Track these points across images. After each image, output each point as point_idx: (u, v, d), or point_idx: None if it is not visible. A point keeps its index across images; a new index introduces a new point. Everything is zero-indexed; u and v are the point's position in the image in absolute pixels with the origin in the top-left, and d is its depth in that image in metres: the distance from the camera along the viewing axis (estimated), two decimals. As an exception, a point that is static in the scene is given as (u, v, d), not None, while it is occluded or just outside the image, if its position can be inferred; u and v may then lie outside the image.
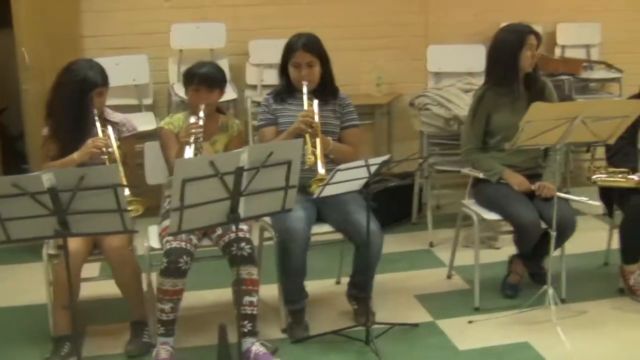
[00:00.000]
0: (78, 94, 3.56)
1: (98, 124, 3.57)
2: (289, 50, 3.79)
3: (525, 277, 4.11)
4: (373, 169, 3.25)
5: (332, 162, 3.62)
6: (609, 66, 6.00)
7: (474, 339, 3.62)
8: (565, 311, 3.75)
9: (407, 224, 5.21)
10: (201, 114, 3.53)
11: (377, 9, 5.84)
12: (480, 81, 5.17)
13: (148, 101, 5.43)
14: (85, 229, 2.90)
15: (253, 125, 5.25)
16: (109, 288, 3.69)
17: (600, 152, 5.77)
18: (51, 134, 3.65)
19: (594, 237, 4.47)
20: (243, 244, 3.36)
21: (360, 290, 3.73)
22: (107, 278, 3.72)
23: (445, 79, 5.40)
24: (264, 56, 5.53)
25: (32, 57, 4.51)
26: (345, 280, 4.00)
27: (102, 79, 3.64)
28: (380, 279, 3.81)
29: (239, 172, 2.84)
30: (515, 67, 3.93)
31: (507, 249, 4.56)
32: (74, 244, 3.23)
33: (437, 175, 5.17)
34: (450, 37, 5.78)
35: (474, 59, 5.44)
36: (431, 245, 4.86)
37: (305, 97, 3.68)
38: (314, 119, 3.60)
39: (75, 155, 3.53)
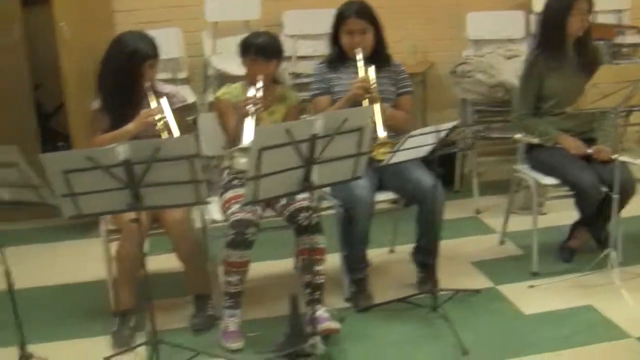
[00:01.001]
0: (129, 67, 3.51)
1: (152, 96, 3.54)
2: (340, 18, 3.73)
3: (591, 244, 4.06)
4: (442, 134, 3.23)
5: (388, 128, 3.58)
6: (641, 31, 5.95)
7: (537, 304, 3.61)
8: (625, 274, 3.73)
9: (450, 192, 5.17)
10: (259, 84, 3.49)
11: (409, -23, 5.77)
12: (521, 47, 5.16)
13: (182, 75, 5.37)
14: (159, 202, 2.87)
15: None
16: (162, 263, 3.67)
17: (634, 117, 5.76)
18: (102, 107, 3.60)
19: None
20: (311, 213, 3.33)
21: (426, 255, 3.70)
22: (159, 253, 3.70)
23: (484, 46, 5.34)
24: (299, 27, 5.45)
25: (69, 33, 4.46)
26: (400, 249, 3.98)
27: (153, 50, 3.58)
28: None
29: (313, 139, 2.81)
30: (563, 32, 3.90)
31: (553, 215, 4.57)
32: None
33: (476, 143, 5.13)
34: (484, 4, 5.71)
35: (514, 25, 5.40)
36: (477, 212, 4.84)
37: (360, 63, 3.64)
38: (370, 84, 3.56)
39: (131, 126, 3.48)
